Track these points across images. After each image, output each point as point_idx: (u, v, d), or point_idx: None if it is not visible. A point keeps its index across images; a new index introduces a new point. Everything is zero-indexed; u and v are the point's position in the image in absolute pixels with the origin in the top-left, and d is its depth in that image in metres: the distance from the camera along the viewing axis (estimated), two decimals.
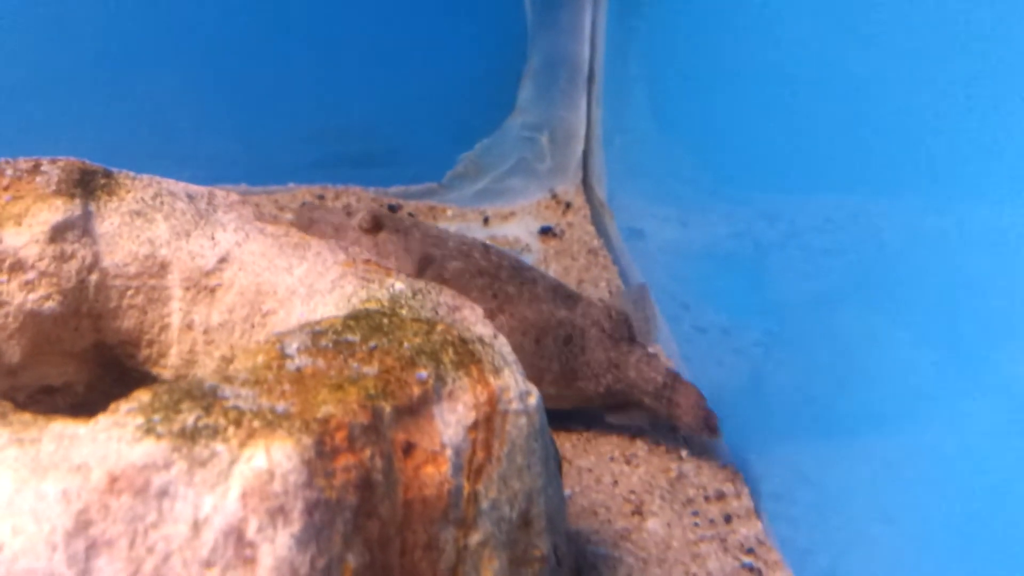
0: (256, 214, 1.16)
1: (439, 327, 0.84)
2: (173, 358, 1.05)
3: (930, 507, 0.82)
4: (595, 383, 1.16)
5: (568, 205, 1.94)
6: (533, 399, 0.81)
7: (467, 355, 0.81)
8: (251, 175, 1.99)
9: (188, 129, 1.94)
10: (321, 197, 1.94)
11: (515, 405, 0.80)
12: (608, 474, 1.06)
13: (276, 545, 0.64)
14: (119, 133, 1.89)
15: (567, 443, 1.13)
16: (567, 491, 1.04)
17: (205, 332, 1.04)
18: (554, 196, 1.96)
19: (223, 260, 1.06)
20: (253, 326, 1.03)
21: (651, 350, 1.24)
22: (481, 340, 0.84)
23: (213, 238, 1.08)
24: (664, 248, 1.70)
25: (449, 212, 1.94)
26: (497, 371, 0.81)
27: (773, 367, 1.22)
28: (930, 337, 0.82)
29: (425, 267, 1.29)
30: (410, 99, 1.97)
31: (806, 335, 1.12)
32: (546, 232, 1.85)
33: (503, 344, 0.87)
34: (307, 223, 1.40)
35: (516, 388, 0.81)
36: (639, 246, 1.75)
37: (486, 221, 1.91)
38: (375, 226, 1.32)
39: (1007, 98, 0.70)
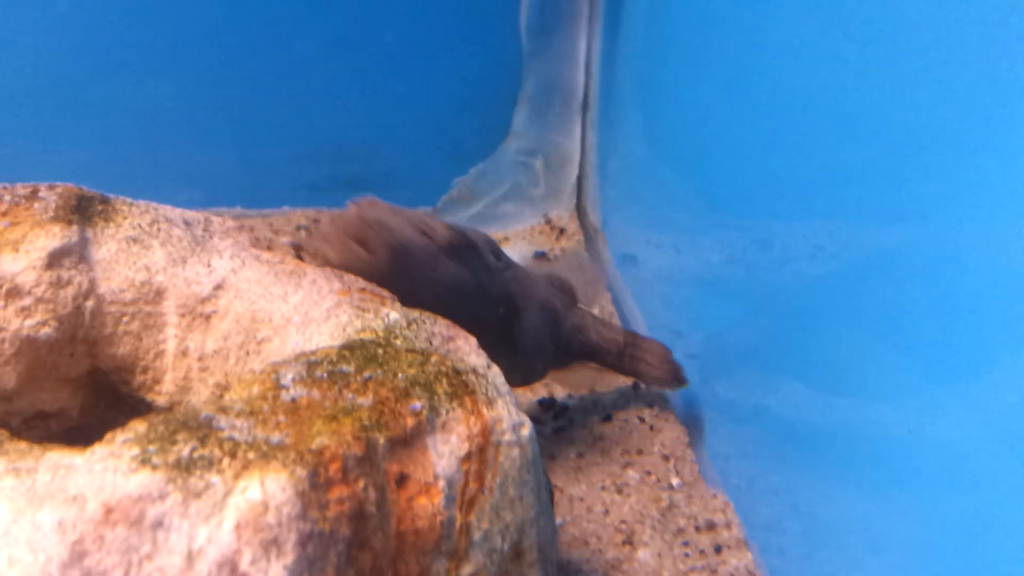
0: (252, 241, 1.17)
1: (433, 358, 0.85)
2: (168, 384, 1.05)
3: (921, 537, 0.83)
4: (566, 349, 1.19)
5: (562, 230, 1.95)
6: (526, 430, 0.82)
7: (461, 386, 0.82)
8: (246, 198, 2.00)
9: (184, 152, 1.95)
10: (316, 221, 1.95)
11: (508, 436, 0.81)
12: (599, 503, 1.07)
13: None
14: (116, 154, 1.90)
15: (559, 471, 1.13)
16: (558, 520, 1.04)
17: (200, 359, 1.05)
18: (548, 221, 1.97)
19: (219, 287, 1.07)
20: (248, 353, 1.03)
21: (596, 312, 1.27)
22: (475, 371, 0.85)
23: (209, 265, 1.09)
24: (657, 274, 1.71)
25: None
26: (491, 402, 0.82)
27: (765, 395, 1.23)
28: (922, 364, 0.82)
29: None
30: (405, 123, 1.99)
31: (799, 363, 1.13)
32: (540, 257, 1.86)
33: (496, 375, 0.88)
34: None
35: (509, 419, 0.81)
36: (632, 272, 1.76)
37: None
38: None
39: (996, 127, 0.71)
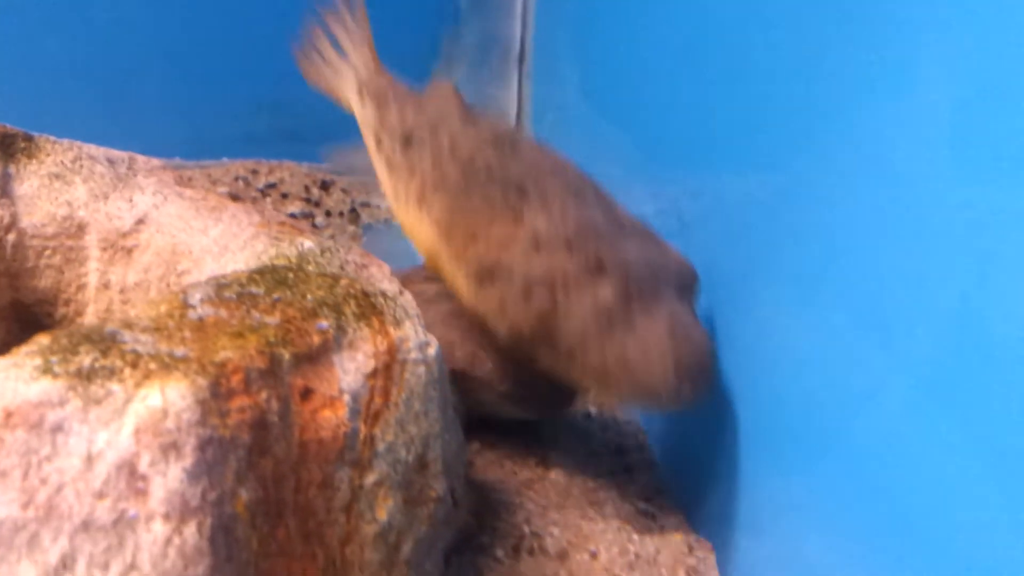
0: (178, 179, 1.18)
1: (343, 281, 0.87)
2: (90, 317, 1.07)
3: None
4: None
5: None
6: (432, 349, 0.85)
7: (369, 307, 0.84)
8: (185, 149, 2.00)
9: (123, 103, 1.93)
10: (255, 172, 1.95)
11: (414, 355, 0.83)
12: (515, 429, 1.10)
13: (168, 478, 0.66)
14: (52, 104, 1.88)
15: None
16: (476, 444, 1.07)
17: (121, 291, 1.06)
18: None
19: (140, 222, 1.08)
20: (168, 285, 1.05)
21: None
22: (384, 294, 0.87)
23: (131, 200, 1.10)
24: None
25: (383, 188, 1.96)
26: (398, 322, 0.84)
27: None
28: (849, 312, 0.84)
29: None
30: None
31: (727, 308, 1.16)
32: None
33: (408, 300, 0.90)
34: None
35: (416, 339, 0.84)
36: None
37: None
38: None
39: (928, 81, 0.73)
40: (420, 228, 1.09)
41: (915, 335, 0.75)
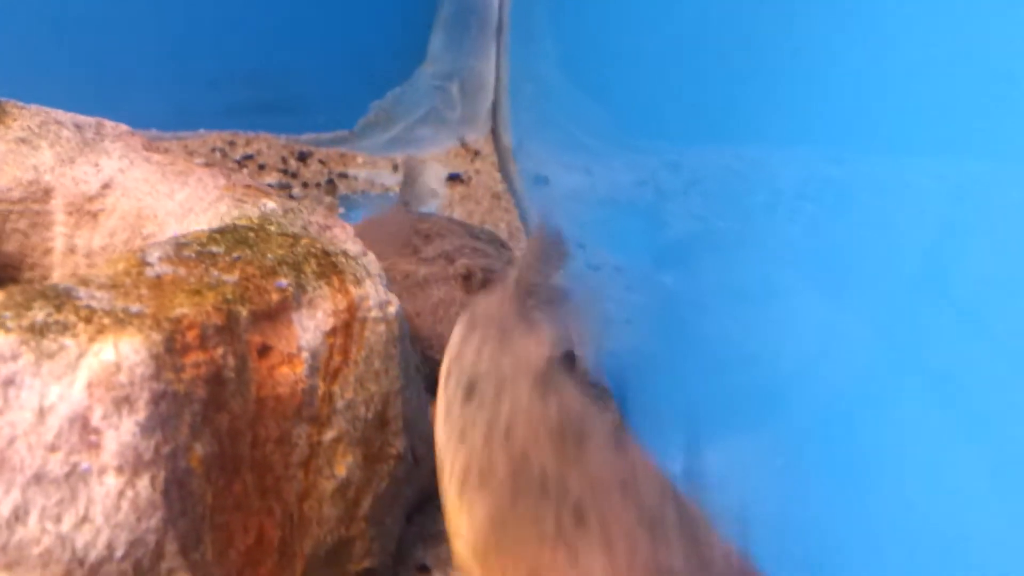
0: (146, 144, 1.18)
1: (304, 241, 0.87)
2: (56, 281, 1.06)
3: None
4: None
5: (477, 153, 1.97)
6: (392, 308, 0.85)
7: (329, 266, 0.85)
8: (162, 121, 1.99)
9: (98, 74, 1.92)
10: (232, 143, 1.94)
11: (375, 313, 0.83)
12: None
13: (121, 431, 0.66)
14: (28, 75, 1.87)
15: None
16: None
17: (87, 256, 1.06)
18: (464, 144, 1.99)
19: (106, 186, 1.08)
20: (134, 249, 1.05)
21: None
22: (345, 254, 0.87)
23: (97, 165, 1.09)
24: (568, 195, 1.73)
25: (360, 159, 1.95)
26: (359, 281, 0.84)
27: (664, 304, 1.26)
28: (820, 281, 0.84)
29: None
30: (322, 46, 1.98)
31: (701, 275, 1.16)
32: (454, 179, 1.88)
33: (371, 260, 0.90)
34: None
35: (376, 297, 0.84)
36: (544, 192, 1.78)
37: (396, 168, 1.93)
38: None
39: (903, 52, 0.73)
40: (457, 522, 0.79)
41: (869, 294, 0.75)
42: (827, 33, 0.83)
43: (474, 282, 1.10)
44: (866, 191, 0.78)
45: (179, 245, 0.83)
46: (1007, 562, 0.57)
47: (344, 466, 0.79)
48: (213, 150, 1.91)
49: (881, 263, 0.75)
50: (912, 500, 0.68)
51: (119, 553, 0.66)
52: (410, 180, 1.49)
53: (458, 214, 1.72)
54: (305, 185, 1.84)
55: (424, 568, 0.84)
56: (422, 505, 0.90)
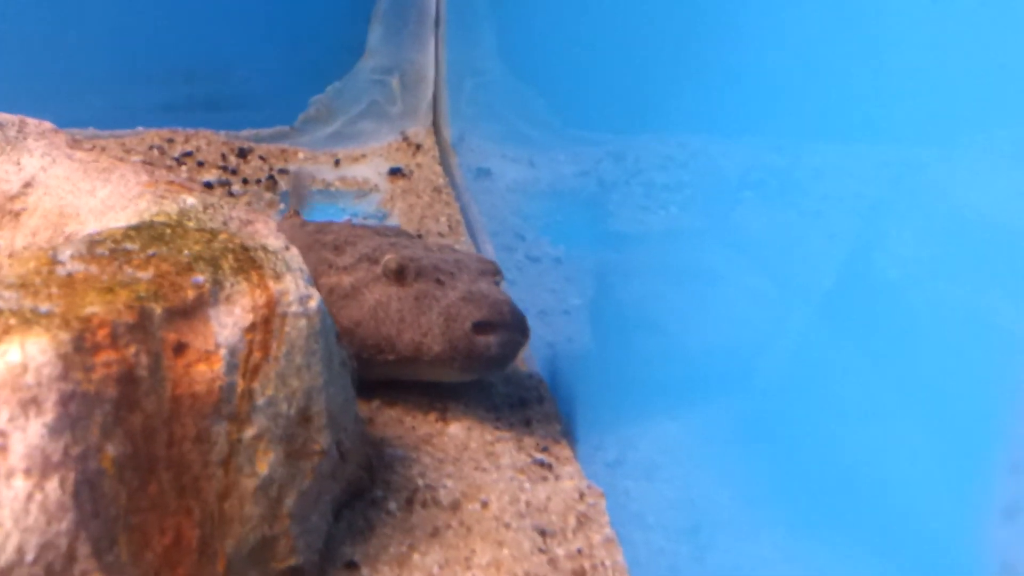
0: (70, 142, 1.16)
1: (222, 236, 0.86)
2: None
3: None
4: None
5: (418, 146, 1.96)
6: (314, 302, 0.84)
7: (248, 261, 0.84)
8: (99, 119, 1.96)
9: (35, 72, 1.89)
10: (171, 141, 1.92)
11: (295, 308, 0.83)
12: (417, 387, 1.10)
13: (28, 434, 0.65)
14: None
15: None
16: (376, 402, 1.07)
17: (10, 255, 1.04)
18: (405, 138, 1.98)
19: (28, 185, 1.06)
20: None
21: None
22: (265, 248, 0.86)
23: (19, 163, 1.08)
24: (510, 187, 1.73)
25: (301, 155, 1.94)
26: (278, 276, 0.83)
27: (603, 294, 1.27)
28: (763, 269, 0.85)
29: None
30: (260, 41, 1.96)
31: (642, 265, 1.16)
32: (395, 173, 1.87)
33: (293, 255, 0.89)
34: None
35: (296, 292, 0.83)
36: (485, 185, 1.78)
37: (337, 163, 1.91)
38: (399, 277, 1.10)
39: (844, 40, 0.73)
40: None
41: (811, 280, 0.76)
42: (768, 22, 0.83)
43: (408, 273, 1.08)
44: (807, 178, 0.79)
45: (92, 243, 0.81)
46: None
47: (266, 463, 0.79)
48: (151, 148, 1.88)
49: (821, 249, 0.75)
50: (853, 476, 0.68)
51: (30, 557, 0.65)
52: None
53: (399, 208, 1.71)
54: (245, 182, 1.82)
55: (353, 564, 0.84)
56: (350, 501, 0.89)
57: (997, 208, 0.57)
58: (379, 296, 1.08)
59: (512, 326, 1.06)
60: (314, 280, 0.96)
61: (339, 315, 1.08)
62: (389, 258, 1.08)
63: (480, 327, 1.04)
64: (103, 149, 1.87)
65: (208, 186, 1.80)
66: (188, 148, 1.91)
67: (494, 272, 1.17)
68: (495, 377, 1.14)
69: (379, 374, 1.07)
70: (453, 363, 1.03)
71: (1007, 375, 0.52)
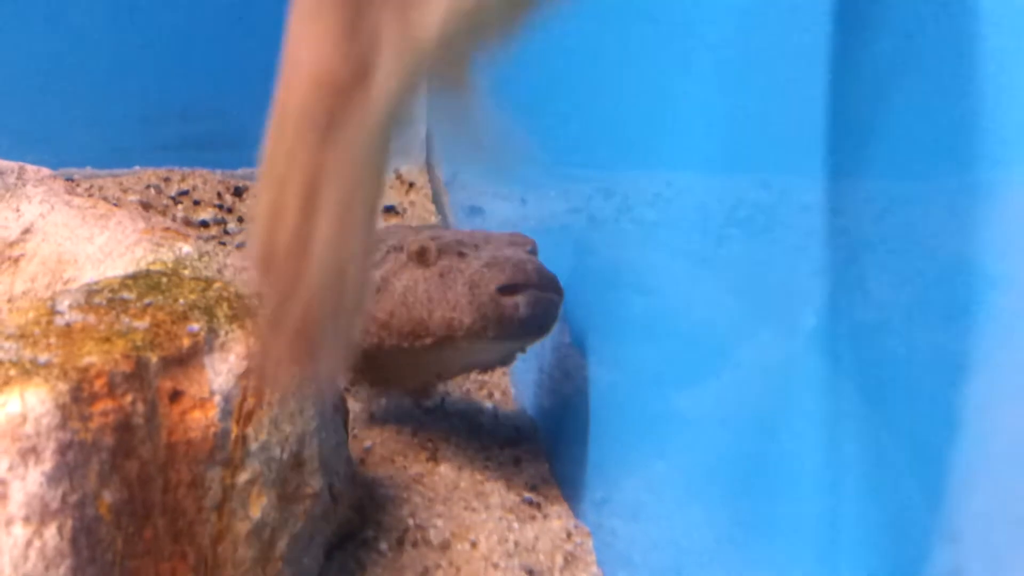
0: (68, 188, 1.19)
1: (216, 284, 0.88)
2: None
3: None
4: None
5: (411, 184, 1.99)
6: None
7: (242, 309, 0.86)
8: (97, 158, 1.99)
9: (33, 112, 1.92)
10: (167, 179, 1.95)
11: None
12: (410, 424, 1.12)
13: (27, 482, 0.67)
14: None
15: None
16: (367, 443, 1.09)
17: (9, 300, 1.06)
18: (398, 176, 2.01)
19: (27, 231, 1.09)
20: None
21: None
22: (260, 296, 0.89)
23: (18, 210, 1.10)
24: (502, 224, 1.76)
25: None
26: None
27: (592, 331, 1.29)
28: (750, 305, 0.86)
29: None
30: (255, 81, 1.97)
31: (631, 300, 1.18)
32: (389, 210, 1.90)
33: None
34: None
35: None
36: (478, 223, 1.81)
37: None
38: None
39: (826, 79, 0.75)
40: None
41: (795, 317, 0.78)
42: (755, 62, 0.85)
43: (430, 253, 1.05)
44: (792, 214, 0.80)
45: (90, 292, 0.83)
46: None
47: (259, 507, 0.80)
48: (148, 187, 1.91)
49: (806, 286, 0.77)
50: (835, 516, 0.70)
51: None
52: None
53: None
54: (240, 220, 1.85)
55: None
56: (342, 542, 0.91)
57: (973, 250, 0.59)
58: (406, 281, 1.04)
59: (540, 284, 1.03)
60: None
61: (375, 311, 1.04)
62: (411, 240, 1.06)
63: (506, 290, 1.00)
64: (101, 188, 1.89)
65: (204, 224, 1.82)
66: (184, 187, 1.94)
67: (526, 243, 1.14)
68: (486, 416, 1.16)
69: (427, 370, 1.06)
70: (486, 332, 0.99)
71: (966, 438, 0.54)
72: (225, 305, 0.85)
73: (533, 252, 1.14)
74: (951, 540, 0.55)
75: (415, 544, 0.92)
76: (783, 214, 0.81)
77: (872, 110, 0.68)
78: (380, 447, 1.08)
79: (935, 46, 0.61)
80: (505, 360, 1.15)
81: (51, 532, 0.68)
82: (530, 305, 1.01)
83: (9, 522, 0.67)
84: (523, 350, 1.13)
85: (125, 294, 0.84)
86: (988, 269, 0.56)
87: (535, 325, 1.03)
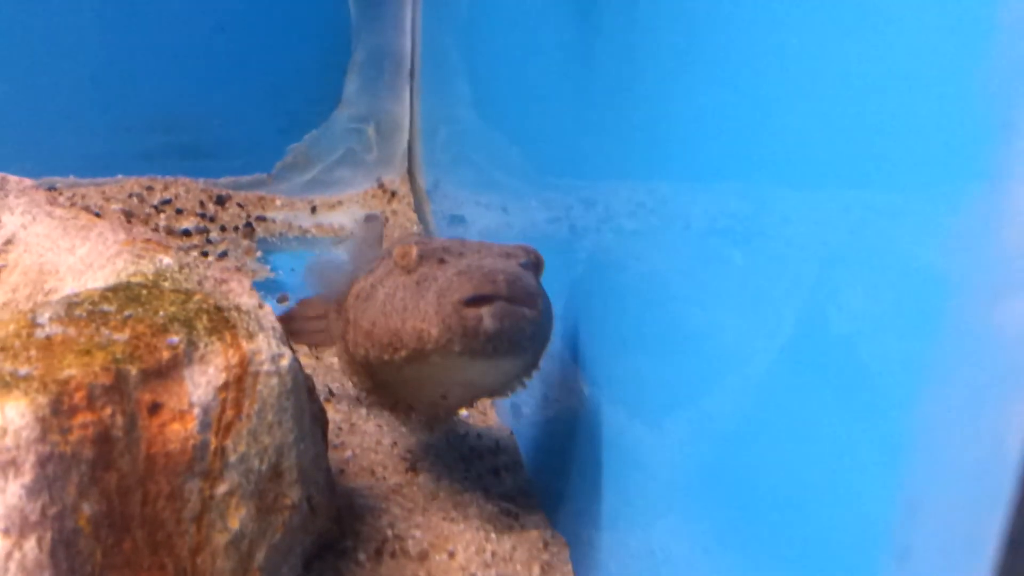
0: (50, 199, 1.19)
1: (196, 296, 0.89)
2: None
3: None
4: None
5: (393, 194, 2.00)
6: (285, 361, 0.87)
7: (221, 321, 0.87)
8: (79, 167, 1.99)
9: (15, 122, 1.92)
10: (150, 188, 1.95)
11: (267, 367, 0.86)
12: (388, 437, 1.13)
13: (7, 495, 0.68)
14: None
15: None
16: (348, 454, 1.10)
17: None
18: (381, 185, 2.02)
19: (8, 242, 1.09)
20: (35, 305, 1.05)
21: None
22: (239, 308, 0.90)
23: (0, 221, 1.10)
24: (484, 233, 1.77)
25: (278, 202, 1.97)
26: (251, 335, 0.86)
27: (572, 341, 1.30)
28: (729, 314, 0.87)
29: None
30: (238, 91, 2.00)
31: (611, 310, 1.19)
32: (372, 219, 1.91)
33: (266, 314, 0.93)
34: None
35: (269, 351, 0.86)
36: (459, 232, 1.82)
37: (314, 210, 1.95)
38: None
39: (812, 87, 0.76)
40: None
41: (773, 327, 0.79)
42: (737, 71, 0.86)
43: (410, 260, 0.97)
44: (773, 224, 0.82)
45: (71, 304, 0.84)
46: None
47: (238, 519, 0.81)
48: (131, 196, 1.91)
49: (784, 295, 0.78)
50: (813, 525, 0.71)
51: None
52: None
53: None
54: (223, 229, 1.86)
55: None
56: (321, 553, 0.92)
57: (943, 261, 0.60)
58: (389, 288, 0.97)
59: (510, 297, 0.91)
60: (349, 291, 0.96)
61: (361, 319, 0.98)
62: (396, 245, 0.99)
63: (472, 301, 0.90)
64: (83, 197, 1.90)
65: (186, 233, 1.83)
66: (167, 196, 1.94)
67: (523, 256, 1.03)
68: (466, 428, 1.17)
69: (429, 391, 0.99)
70: (453, 345, 0.89)
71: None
72: (205, 317, 0.86)
73: (531, 265, 1.04)
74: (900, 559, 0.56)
75: (393, 555, 0.93)
76: (763, 223, 0.83)
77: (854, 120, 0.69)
78: (360, 457, 1.09)
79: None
80: (508, 386, 1.04)
81: (31, 544, 0.68)
82: (496, 318, 0.90)
83: None
84: (528, 374, 1.05)
85: (105, 306, 0.85)
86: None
87: (503, 341, 0.91)
